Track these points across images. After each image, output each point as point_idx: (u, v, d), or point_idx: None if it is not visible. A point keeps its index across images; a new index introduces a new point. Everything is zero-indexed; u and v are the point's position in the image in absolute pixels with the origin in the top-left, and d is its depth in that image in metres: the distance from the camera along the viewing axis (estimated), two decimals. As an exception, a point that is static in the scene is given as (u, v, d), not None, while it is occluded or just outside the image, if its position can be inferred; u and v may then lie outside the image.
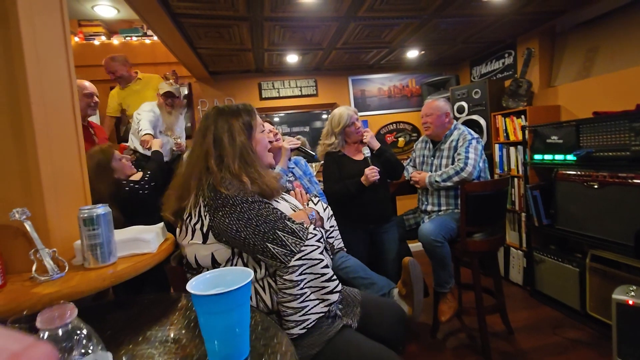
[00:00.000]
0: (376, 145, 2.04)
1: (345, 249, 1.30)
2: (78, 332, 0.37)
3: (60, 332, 0.35)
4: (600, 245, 2.03)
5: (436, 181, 2.04)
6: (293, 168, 1.91)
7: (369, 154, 1.98)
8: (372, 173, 1.89)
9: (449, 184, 2.00)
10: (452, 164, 2.06)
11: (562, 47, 2.81)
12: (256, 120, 1.12)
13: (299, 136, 3.53)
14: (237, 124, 1.06)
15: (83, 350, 0.37)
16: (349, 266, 1.66)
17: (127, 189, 1.86)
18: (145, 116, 2.47)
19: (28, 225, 0.85)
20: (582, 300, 2.16)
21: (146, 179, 1.96)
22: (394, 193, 2.35)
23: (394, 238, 2.07)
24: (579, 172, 2.13)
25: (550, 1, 2.29)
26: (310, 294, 0.94)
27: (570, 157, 2.21)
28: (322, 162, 2.15)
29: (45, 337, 0.34)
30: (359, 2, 2.07)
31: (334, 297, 0.97)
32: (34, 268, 0.82)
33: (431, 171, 2.15)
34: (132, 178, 1.95)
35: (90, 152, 1.81)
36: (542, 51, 2.84)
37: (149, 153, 2.38)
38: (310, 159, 1.93)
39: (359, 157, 2.05)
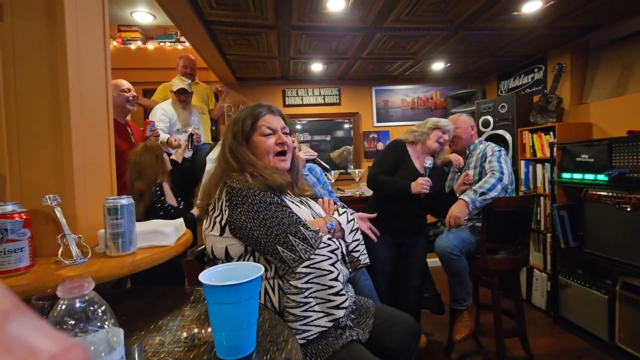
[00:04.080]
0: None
1: (368, 263, 1.21)
2: (94, 306, 0.39)
3: (77, 302, 0.37)
4: (632, 272, 1.91)
5: (482, 194, 1.78)
6: (307, 175, 1.91)
7: (431, 166, 1.90)
8: (424, 184, 1.81)
9: (495, 194, 1.80)
10: (479, 175, 2.01)
11: (596, 63, 2.71)
12: (258, 122, 1.09)
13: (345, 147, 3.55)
14: (235, 127, 1.09)
15: (99, 324, 0.39)
16: (360, 286, 1.67)
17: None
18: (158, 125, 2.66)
19: (58, 211, 0.90)
20: (610, 330, 2.03)
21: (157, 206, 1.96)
22: None
23: (422, 252, 2.04)
24: (610, 193, 2.02)
25: (584, 16, 2.22)
26: (314, 304, 0.92)
27: (601, 177, 2.11)
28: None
29: (64, 306, 0.37)
30: (386, 13, 2.09)
31: (340, 312, 0.94)
32: (60, 252, 0.87)
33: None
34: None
35: (147, 147, 2.00)
36: (574, 67, 2.75)
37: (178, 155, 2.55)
38: (325, 170, 1.95)
39: (419, 166, 2.00)
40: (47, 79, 0.97)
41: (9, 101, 0.94)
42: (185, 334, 0.70)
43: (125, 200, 0.93)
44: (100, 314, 0.39)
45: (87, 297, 0.38)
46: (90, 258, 0.90)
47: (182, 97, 2.81)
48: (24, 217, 0.82)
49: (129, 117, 3.16)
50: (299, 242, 0.92)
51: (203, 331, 0.71)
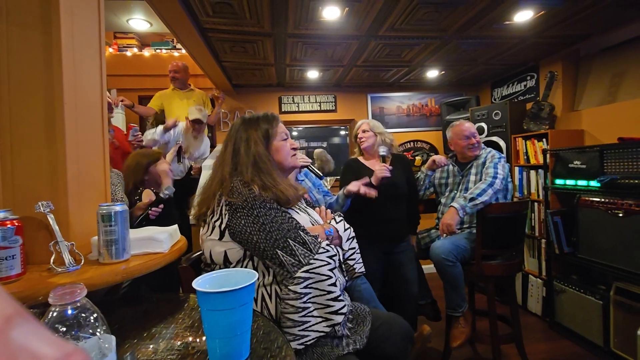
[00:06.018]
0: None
1: (364, 272, 1.20)
2: (86, 312, 0.39)
3: (69, 309, 0.37)
4: (625, 278, 1.92)
5: (472, 199, 1.80)
6: (303, 180, 1.93)
7: (385, 153, 1.89)
8: (381, 169, 1.78)
9: (485, 198, 1.80)
10: (481, 179, 2.02)
11: (587, 71, 2.76)
12: (276, 129, 1.15)
13: (320, 149, 3.58)
14: (255, 133, 1.11)
15: (91, 331, 0.38)
16: (359, 291, 1.66)
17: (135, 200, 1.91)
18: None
19: (50, 218, 0.89)
20: (605, 335, 2.03)
21: (150, 210, 1.88)
22: (423, 210, 2.33)
23: (411, 257, 2.03)
24: (603, 199, 2.05)
25: (574, 25, 2.27)
26: (313, 309, 0.92)
27: (593, 183, 2.13)
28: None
29: (55, 313, 0.36)
30: (380, 21, 2.12)
31: (339, 318, 0.94)
32: (52, 259, 0.86)
33: (458, 190, 2.11)
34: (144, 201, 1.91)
35: (138, 152, 2.05)
36: (565, 75, 2.79)
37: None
38: (318, 178, 1.96)
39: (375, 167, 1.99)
40: (41, 86, 0.97)
41: (3, 107, 0.94)
42: (179, 342, 0.70)
43: (119, 206, 0.92)
44: (92, 320, 0.39)
45: (78, 304, 0.38)
46: (83, 265, 0.89)
47: (196, 127, 2.82)
48: (16, 224, 0.81)
49: (123, 123, 3.16)
50: (298, 246, 0.93)
51: (197, 339, 0.71)
